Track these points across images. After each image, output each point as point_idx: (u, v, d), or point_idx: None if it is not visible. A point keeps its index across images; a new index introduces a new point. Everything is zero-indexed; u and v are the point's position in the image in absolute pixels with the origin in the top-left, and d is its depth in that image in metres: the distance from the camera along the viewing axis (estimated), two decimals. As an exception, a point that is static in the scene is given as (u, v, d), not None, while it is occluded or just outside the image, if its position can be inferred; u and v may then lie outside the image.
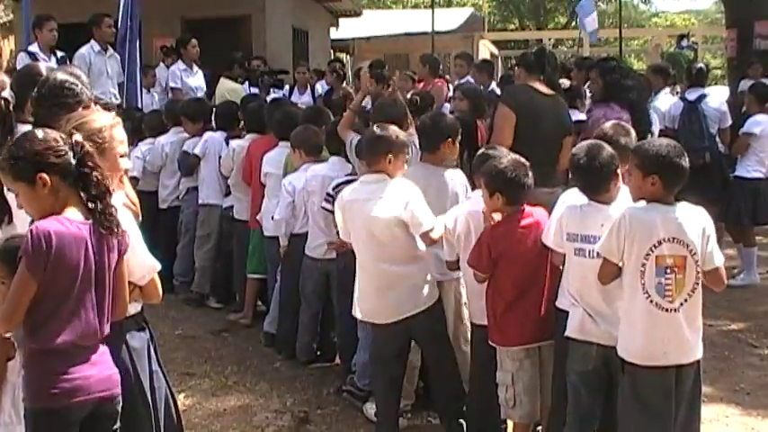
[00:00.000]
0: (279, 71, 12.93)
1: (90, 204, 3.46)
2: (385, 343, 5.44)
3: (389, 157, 5.24)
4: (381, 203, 5.16)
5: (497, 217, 4.93)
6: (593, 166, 4.53)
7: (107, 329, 3.60)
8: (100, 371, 3.56)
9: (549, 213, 4.95)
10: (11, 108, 4.35)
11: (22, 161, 3.43)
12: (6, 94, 4.38)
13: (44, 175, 3.42)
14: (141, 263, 3.89)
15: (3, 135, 4.30)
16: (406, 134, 5.63)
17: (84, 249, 3.43)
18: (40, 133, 3.51)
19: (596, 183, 4.58)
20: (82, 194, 3.47)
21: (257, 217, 7.61)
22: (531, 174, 4.91)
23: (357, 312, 5.50)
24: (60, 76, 4.35)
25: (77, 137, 3.53)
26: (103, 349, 3.62)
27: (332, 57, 18.79)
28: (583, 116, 8.29)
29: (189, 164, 8.72)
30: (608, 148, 4.61)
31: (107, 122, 3.92)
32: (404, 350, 5.47)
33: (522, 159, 4.94)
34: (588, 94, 9.12)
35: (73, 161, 3.45)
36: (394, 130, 5.36)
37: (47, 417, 3.53)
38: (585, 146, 4.67)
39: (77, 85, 4.29)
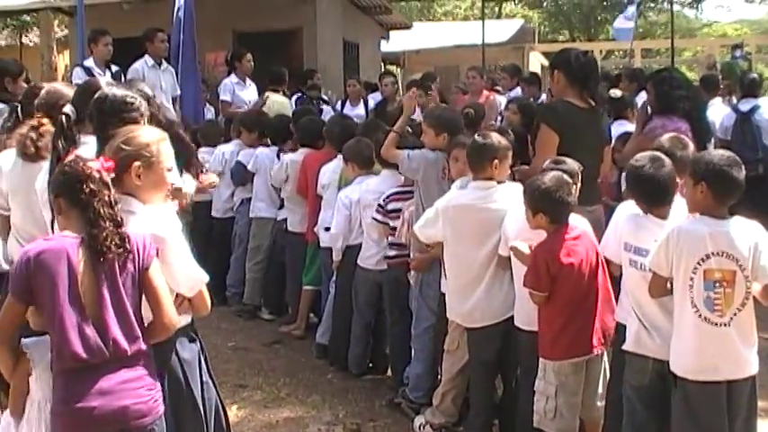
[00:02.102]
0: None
1: (86, 227, 3.50)
2: (482, 346, 5.47)
3: (495, 163, 5.34)
4: (498, 208, 5.23)
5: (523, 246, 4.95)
6: (654, 180, 4.49)
7: (125, 347, 3.50)
8: (110, 401, 3.47)
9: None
10: (72, 122, 4.43)
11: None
12: (68, 109, 4.45)
13: (59, 200, 3.61)
14: (188, 275, 3.90)
15: (66, 147, 4.38)
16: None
17: (67, 260, 3.44)
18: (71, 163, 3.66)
19: (656, 196, 4.54)
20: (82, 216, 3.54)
21: (314, 229, 7.65)
22: (573, 190, 4.88)
23: (453, 316, 5.53)
24: (120, 91, 4.40)
25: (91, 163, 3.60)
26: (128, 376, 3.53)
27: (382, 69, 18.78)
28: (633, 127, 8.22)
29: (242, 174, 8.78)
30: (669, 162, 4.56)
31: (155, 137, 3.96)
32: (501, 353, 5.47)
33: (566, 177, 4.88)
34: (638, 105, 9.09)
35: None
36: (496, 136, 5.42)
37: None
38: (648, 158, 4.62)
39: (137, 99, 4.34)
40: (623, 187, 5.28)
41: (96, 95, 4.36)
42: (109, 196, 3.55)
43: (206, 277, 3.96)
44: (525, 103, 8.78)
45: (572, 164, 5.15)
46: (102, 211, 3.50)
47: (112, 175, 3.70)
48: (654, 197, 4.55)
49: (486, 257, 5.33)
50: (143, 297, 3.63)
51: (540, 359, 4.96)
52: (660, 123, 6.68)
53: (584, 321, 4.86)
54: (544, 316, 4.95)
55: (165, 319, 3.66)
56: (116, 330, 3.49)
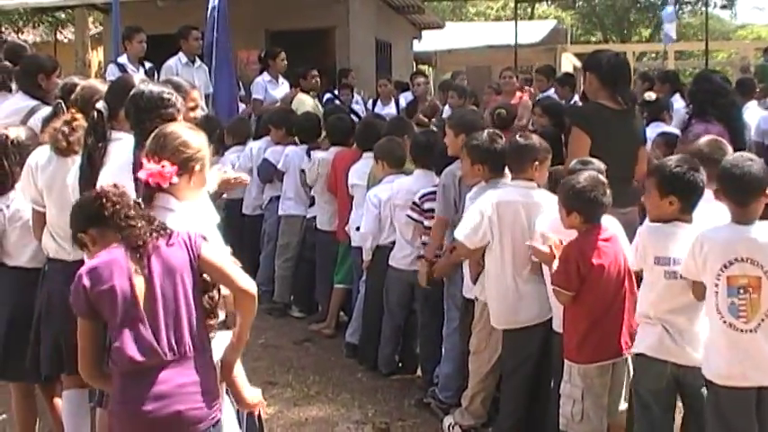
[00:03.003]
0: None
1: (121, 234, 3.52)
2: (518, 348, 5.46)
3: (535, 165, 5.36)
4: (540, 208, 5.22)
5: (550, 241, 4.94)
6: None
7: (181, 349, 3.47)
8: (165, 406, 3.41)
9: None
10: (104, 118, 4.46)
11: None
12: (101, 105, 4.48)
13: (90, 232, 3.67)
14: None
15: (96, 143, 4.41)
16: None
17: (120, 269, 3.44)
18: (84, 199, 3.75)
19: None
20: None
21: (345, 228, 7.66)
22: (608, 191, 4.84)
23: (493, 317, 5.51)
24: (157, 87, 4.43)
25: (105, 188, 3.65)
26: (184, 380, 3.47)
27: (414, 69, 18.78)
28: (669, 128, 8.18)
29: (269, 172, 8.81)
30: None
31: (203, 139, 3.97)
32: (537, 356, 5.46)
33: (601, 177, 4.87)
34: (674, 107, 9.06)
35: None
36: (537, 137, 5.44)
37: None
38: (681, 159, 4.58)
39: (173, 95, 4.36)
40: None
41: (133, 91, 4.39)
42: (129, 202, 3.58)
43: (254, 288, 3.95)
44: (550, 103, 8.75)
45: (597, 164, 5.14)
46: (129, 214, 3.53)
47: (176, 179, 3.73)
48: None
49: (529, 256, 5.32)
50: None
51: (566, 362, 4.94)
52: (703, 128, 6.67)
53: (612, 325, 4.83)
54: (570, 317, 4.93)
55: (239, 285, 3.59)
56: (173, 331, 3.46)
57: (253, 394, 3.92)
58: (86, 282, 3.44)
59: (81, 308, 3.48)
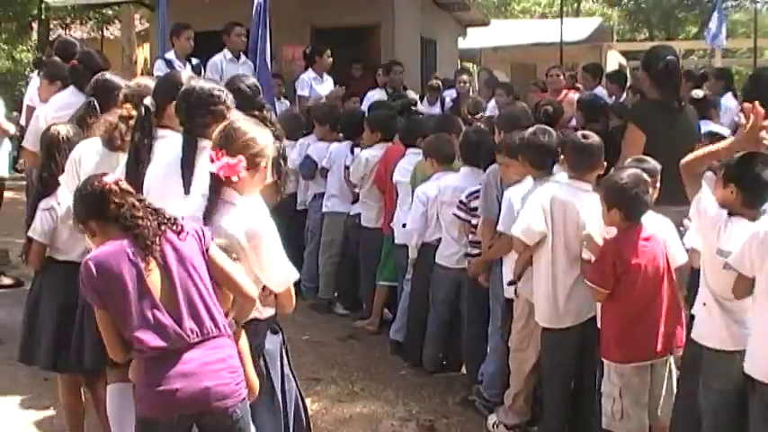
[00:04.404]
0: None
1: (128, 233, 3.54)
2: (560, 347, 5.43)
3: (595, 166, 5.32)
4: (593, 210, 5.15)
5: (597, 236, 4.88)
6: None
7: (204, 330, 3.54)
8: (192, 383, 3.49)
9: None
10: (152, 115, 4.47)
11: None
12: (148, 101, 4.49)
13: (90, 223, 3.69)
14: (279, 271, 3.93)
15: (142, 139, 4.42)
16: None
17: (128, 259, 3.49)
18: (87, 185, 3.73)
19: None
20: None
21: (391, 224, 7.66)
22: (650, 189, 4.80)
23: (539, 318, 5.48)
24: (206, 84, 4.45)
25: (106, 179, 3.64)
26: (209, 358, 3.55)
27: (459, 66, 18.72)
28: (718, 128, 8.08)
29: (310, 169, 8.83)
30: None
31: (268, 134, 3.99)
32: (580, 354, 5.42)
33: (644, 175, 4.82)
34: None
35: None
36: (597, 138, 5.36)
37: (141, 425, 3.64)
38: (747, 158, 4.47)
39: (224, 92, 4.38)
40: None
41: (184, 87, 4.41)
42: (134, 200, 3.61)
43: (296, 275, 3.98)
44: (585, 100, 8.69)
45: (653, 163, 5.09)
46: (135, 214, 3.55)
47: (244, 173, 3.76)
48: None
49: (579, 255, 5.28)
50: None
51: (604, 360, 4.92)
52: None
53: (649, 325, 4.78)
54: (606, 316, 4.91)
55: (243, 290, 3.70)
56: (191, 315, 3.53)
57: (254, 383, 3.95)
58: (91, 271, 3.51)
59: (91, 297, 3.57)
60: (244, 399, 3.67)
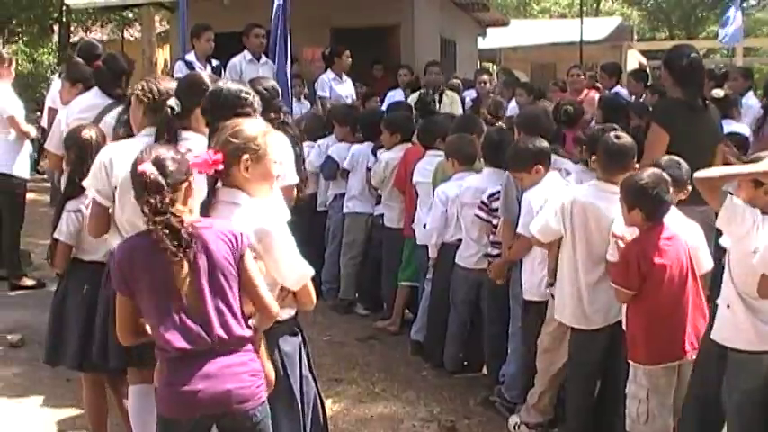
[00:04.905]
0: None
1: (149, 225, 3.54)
2: (588, 350, 5.41)
3: (625, 168, 5.23)
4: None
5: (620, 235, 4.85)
6: None
7: (227, 334, 3.53)
8: (214, 385, 3.51)
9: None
10: (176, 116, 4.48)
11: None
12: (173, 102, 4.50)
13: None
14: (294, 268, 3.89)
15: (168, 142, 4.42)
16: None
17: (158, 254, 3.48)
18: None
19: None
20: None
21: (411, 225, 7.65)
22: (671, 189, 4.77)
23: (563, 318, 5.47)
24: (233, 86, 4.45)
25: (144, 166, 3.59)
26: (231, 361, 3.56)
27: (478, 66, 18.71)
28: (740, 127, 8.06)
29: (331, 170, 8.84)
30: None
31: (262, 129, 3.98)
32: (605, 356, 5.40)
33: (665, 175, 4.79)
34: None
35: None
36: (631, 139, 5.33)
37: (162, 425, 3.65)
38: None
39: (251, 95, 4.39)
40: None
41: (211, 89, 4.42)
42: (156, 199, 3.53)
43: (311, 271, 3.95)
44: (608, 98, 8.68)
45: (685, 166, 5.10)
46: (149, 215, 3.52)
47: (221, 167, 3.75)
48: None
49: (596, 258, 5.26)
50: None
51: (630, 362, 4.89)
52: None
53: (676, 326, 4.77)
54: (632, 317, 4.88)
55: (266, 305, 3.69)
56: (218, 319, 3.53)
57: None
58: (124, 257, 3.56)
59: (116, 282, 3.60)
60: (264, 402, 3.68)
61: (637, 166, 5.31)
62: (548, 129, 6.29)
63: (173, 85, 4.93)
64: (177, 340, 3.49)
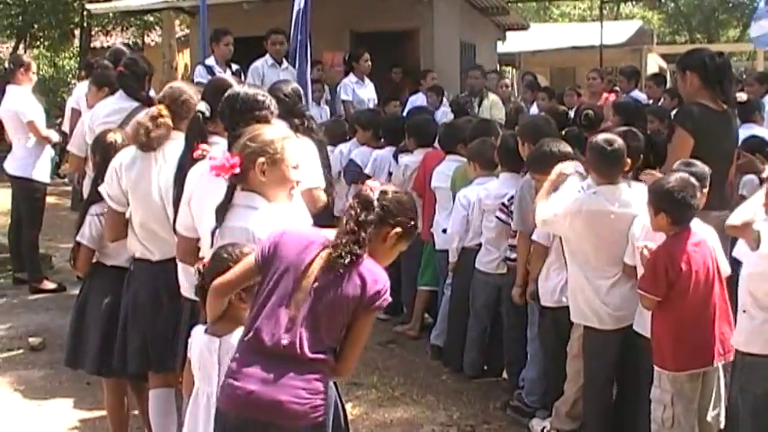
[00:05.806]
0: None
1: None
2: (602, 351, 5.40)
3: (624, 168, 5.31)
4: (629, 212, 5.15)
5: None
6: None
7: (301, 350, 3.43)
8: (268, 391, 3.42)
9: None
10: (205, 120, 4.49)
11: None
12: (202, 106, 4.51)
13: None
14: None
15: (196, 144, 4.44)
16: None
17: (309, 252, 3.48)
18: None
19: None
20: None
21: (430, 229, 7.63)
22: (698, 193, 4.74)
23: (579, 317, 5.47)
24: (251, 90, 4.46)
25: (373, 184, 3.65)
26: (294, 375, 3.44)
27: (498, 69, 18.69)
28: (762, 131, 8.01)
29: (354, 174, 8.80)
30: None
31: (279, 135, 3.99)
32: (621, 358, 5.39)
33: (692, 180, 4.75)
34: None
35: None
36: (621, 140, 5.32)
37: (215, 414, 3.62)
38: None
39: (268, 98, 4.39)
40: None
41: (228, 93, 4.42)
42: (365, 215, 3.53)
43: None
44: (622, 102, 8.64)
45: (702, 167, 5.04)
46: (354, 228, 3.50)
47: (237, 170, 3.76)
48: None
49: (620, 259, 5.25)
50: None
51: (656, 368, 4.86)
52: None
53: (703, 332, 4.73)
54: (658, 323, 4.84)
55: (346, 361, 3.59)
56: (303, 332, 3.44)
57: None
58: (282, 239, 3.55)
59: (262, 254, 3.56)
60: (319, 424, 3.54)
61: (654, 171, 5.32)
62: (550, 136, 6.24)
63: (190, 88, 4.98)
64: (264, 332, 3.45)
